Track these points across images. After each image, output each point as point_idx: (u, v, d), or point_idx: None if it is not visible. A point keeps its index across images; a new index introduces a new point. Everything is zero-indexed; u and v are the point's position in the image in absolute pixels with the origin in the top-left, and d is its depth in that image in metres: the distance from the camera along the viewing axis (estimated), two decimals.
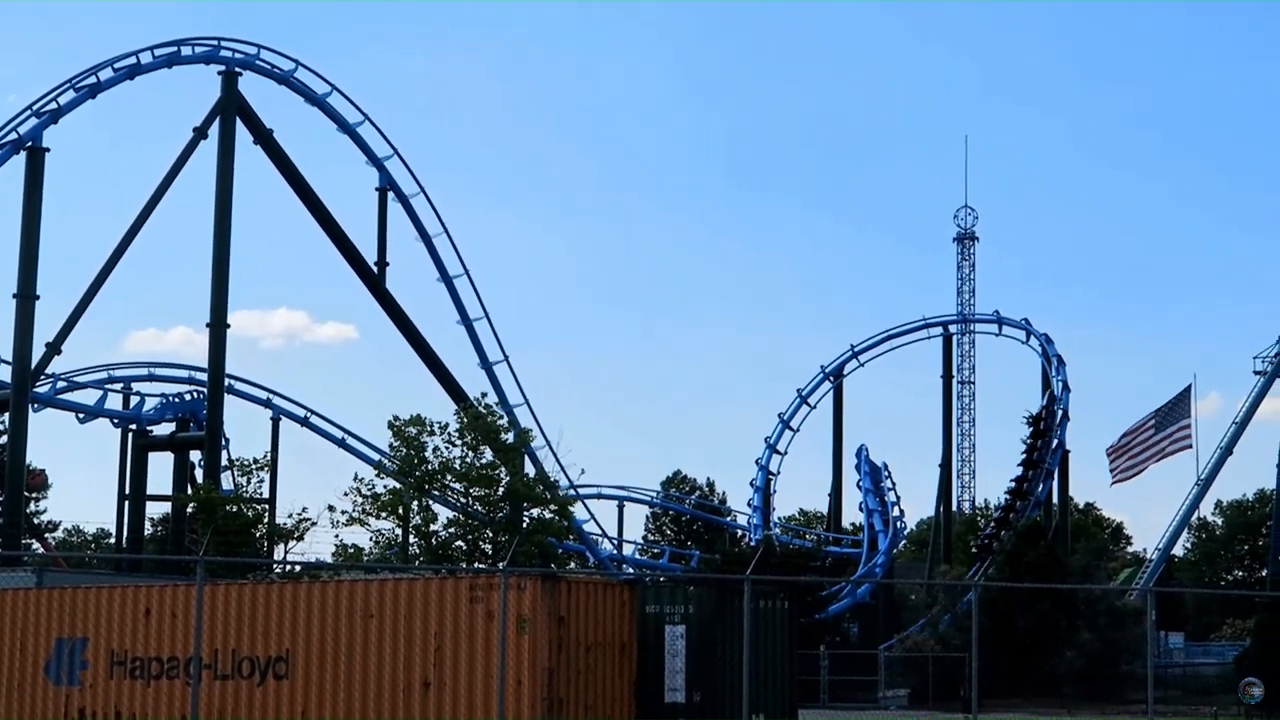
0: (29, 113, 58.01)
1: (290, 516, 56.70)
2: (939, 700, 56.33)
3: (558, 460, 58.20)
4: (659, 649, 31.94)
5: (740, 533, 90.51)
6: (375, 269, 66.54)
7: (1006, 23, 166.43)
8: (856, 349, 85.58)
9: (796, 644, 35.09)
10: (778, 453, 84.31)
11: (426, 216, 68.23)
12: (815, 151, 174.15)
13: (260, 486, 62.30)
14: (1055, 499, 79.52)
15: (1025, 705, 53.84)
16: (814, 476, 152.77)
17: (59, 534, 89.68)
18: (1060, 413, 78.49)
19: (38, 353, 57.22)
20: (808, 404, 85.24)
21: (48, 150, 57.60)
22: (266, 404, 72.79)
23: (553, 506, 54.38)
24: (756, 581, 30.09)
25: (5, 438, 63.00)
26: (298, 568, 48.67)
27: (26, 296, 55.93)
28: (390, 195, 67.27)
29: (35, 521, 76.80)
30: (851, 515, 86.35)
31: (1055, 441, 77.94)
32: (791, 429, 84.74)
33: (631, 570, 71.83)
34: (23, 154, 57.16)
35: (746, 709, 27.02)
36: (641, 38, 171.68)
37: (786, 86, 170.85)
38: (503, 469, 52.95)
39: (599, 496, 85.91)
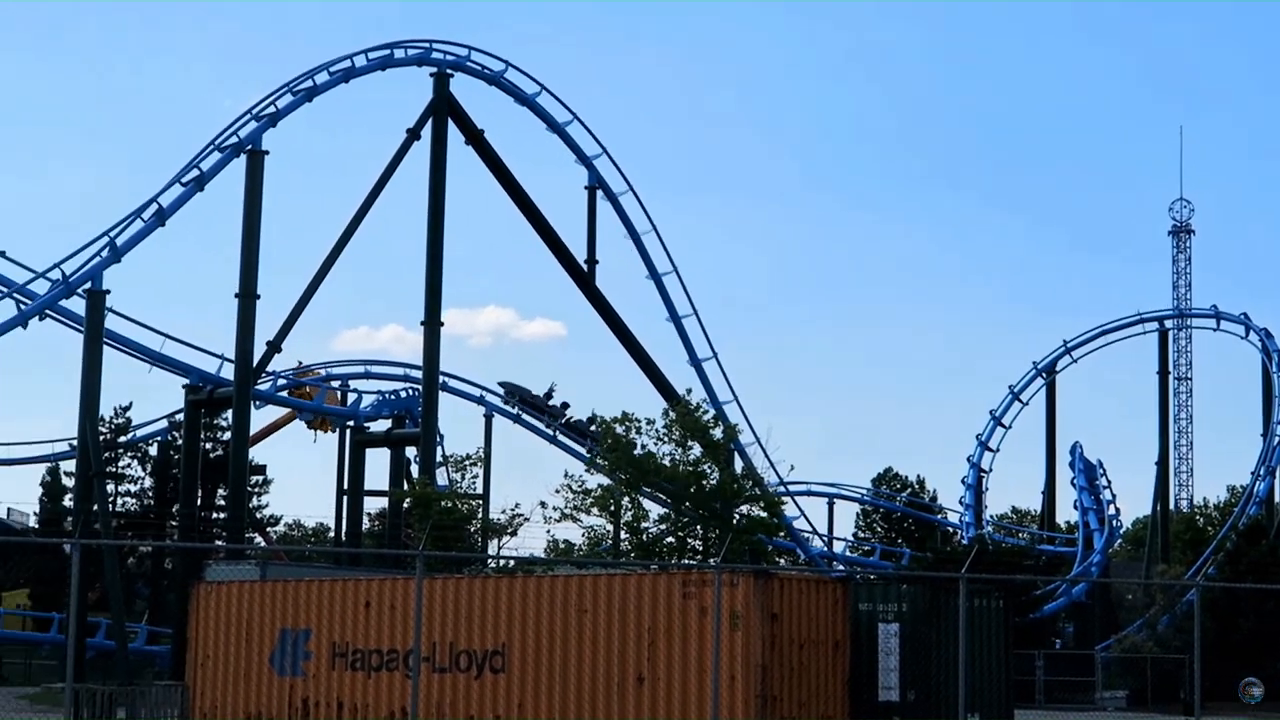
0: (249, 116, 59.18)
1: (503, 512, 57.36)
2: (1158, 703, 55.18)
3: (767, 457, 58.01)
4: (872, 647, 31.74)
5: (952, 530, 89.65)
6: (585, 267, 66.94)
7: (1221, 11, 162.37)
8: (1069, 345, 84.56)
9: (1011, 643, 34.62)
10: (989, 450, 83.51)
11: (635, 214, 68.53)
12: (1023, 145, 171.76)
13: (474, 482, 63.04)
14: (1278, 497, 77.66)
15: (1249, 709, 52.47)
16: (1027, 474, 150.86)
17: (280, 528, 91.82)
18: None
19: (259, 351, 58.55)
20: (1020, 400, 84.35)
21: (267, 153, 58.64)
22: (479, 401, 73.85)
23: (762, 503, 54.24)
24: (971, 580, 29.72)
25: (229, 434, 64.58)
26: (511, 562, 49.17)
27: (248, 296, 57.02)
28: (599, 193, 67.67)
29: (258, 516, 78.70)
30: (1065, 513, 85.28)
31: (1277, 439, 76.03)
32: (1003, 426, 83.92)
33: (842, 568, 71.46)
34: (243, 157, 58.32)
35: (963, 709, 26.68)
36: (842, 37, 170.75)
37: (991, 82, 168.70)
38: (711, 465, 52.90)
39: (809, 494, 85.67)
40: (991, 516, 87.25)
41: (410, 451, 68.12)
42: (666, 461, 51.92)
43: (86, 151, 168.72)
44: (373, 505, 76.56)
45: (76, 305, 57.00)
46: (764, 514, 53.91)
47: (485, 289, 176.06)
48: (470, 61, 65.13)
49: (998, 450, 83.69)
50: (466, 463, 62.74)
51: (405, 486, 65.54)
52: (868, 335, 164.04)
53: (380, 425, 70.69)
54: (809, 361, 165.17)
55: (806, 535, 75.41)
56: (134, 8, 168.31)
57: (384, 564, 55.66)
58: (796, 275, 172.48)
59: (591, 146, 67.90)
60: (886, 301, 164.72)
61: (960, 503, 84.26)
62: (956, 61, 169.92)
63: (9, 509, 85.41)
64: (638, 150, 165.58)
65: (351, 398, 71.63)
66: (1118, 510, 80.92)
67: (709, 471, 52.45)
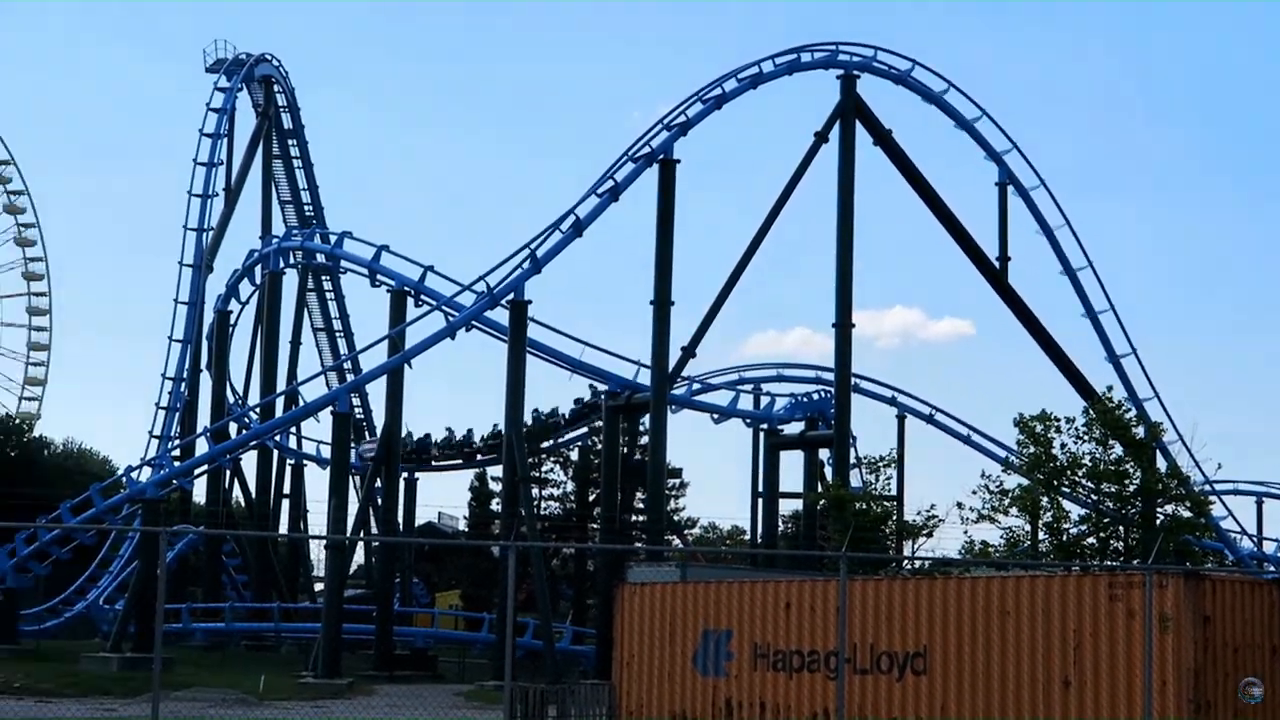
0: (660, 126, 60.36)
1: (918, 513, 57.02)
2: None
3: (1191, 455, 56.24)
4: None
5: None
6: (997, 264, 65.99)
7: None
8: None
9: None
10: None
11: (1047, 209, 67.36)
12: None
13: (888, 484, 62.82)
14: None
15: None
16: None
17: (696, 530, 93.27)
18: None
19: (673, 357, 59.61)
20: None
21: (678, 161, 59.71)
22: (891, 402, 73.57)
23: (1187, 503, 52.58)
24: None
25: (646, 438, 65.91)
26: (927, 564, 48.85)
27: (662, 303, 58.14)
28: (1010, 189, 66.65)
29: (675, 518, 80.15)
30: None
31: None
32: None
33: (1274, 569, 68.66)
34: (655, 166, 59.47)
35: None
36: (1261, 31, 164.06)
37: None
38: (1133, 464, 51.55)
39: (1235, 493, 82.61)
40: None
41: (824, 453, 68.35)
42: (1087, 460, 50.88)
43: (506, 168, 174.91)
44: (786, 507, 77.02)
45: (500, 316, 59.14)
46: (1190, 514, 52.29)
47: (891, 290, 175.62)
48: (877, 62, 64.99)
49: None
50: (880, 464, 62.60)
51: (819, 488, 65.82)
52: None
53: (794, 427, 71.18)
54: (1233, 357, 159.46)
55: (1234, 535, 72.78)
56: (542, 29, 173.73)
57: (797, 565, 55.98)
58: (1216, 268, 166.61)
59: (1001, 142, 67.06)
60: None
61: None
62: None
63: (440, 513, 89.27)
64: (1049, 144, 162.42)
65: (765, 400, 72.33)
66: None
67: (1131, 471, 51.16)
